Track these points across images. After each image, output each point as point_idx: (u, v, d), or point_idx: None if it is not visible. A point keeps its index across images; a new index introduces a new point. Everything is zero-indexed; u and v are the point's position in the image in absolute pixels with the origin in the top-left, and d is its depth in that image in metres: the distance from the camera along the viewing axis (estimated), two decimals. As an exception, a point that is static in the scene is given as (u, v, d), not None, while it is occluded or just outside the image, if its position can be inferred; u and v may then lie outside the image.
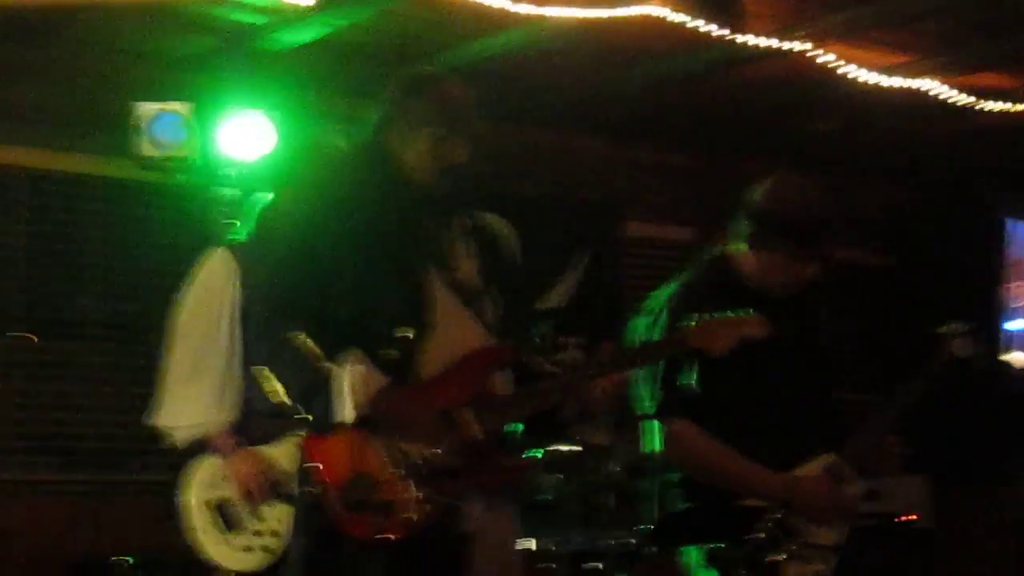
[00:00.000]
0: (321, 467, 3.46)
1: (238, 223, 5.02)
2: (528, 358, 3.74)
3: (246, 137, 6.40)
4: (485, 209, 3.97)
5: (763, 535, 4.14)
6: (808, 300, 4.45)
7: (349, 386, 3.38)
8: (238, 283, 4.72)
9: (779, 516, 4.16)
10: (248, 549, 4.62)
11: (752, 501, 4.20)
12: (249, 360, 4.60)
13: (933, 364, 4.40)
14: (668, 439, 4.32)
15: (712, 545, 4.25)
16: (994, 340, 9.07)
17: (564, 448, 5.65)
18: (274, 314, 3.57)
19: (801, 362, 4.37)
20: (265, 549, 4.61)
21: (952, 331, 4.43)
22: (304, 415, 3.50)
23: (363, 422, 3.41)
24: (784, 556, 4.14)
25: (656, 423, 4.35)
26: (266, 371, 3.54)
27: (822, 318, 4.55)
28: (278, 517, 4.59)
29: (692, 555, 4.35)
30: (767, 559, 4.14)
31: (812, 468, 4.26)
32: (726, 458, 4.22)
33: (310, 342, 3.44)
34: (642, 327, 4.41)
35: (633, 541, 5.91)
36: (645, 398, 4.32)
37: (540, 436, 5.53)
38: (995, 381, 9.05)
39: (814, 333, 4.51)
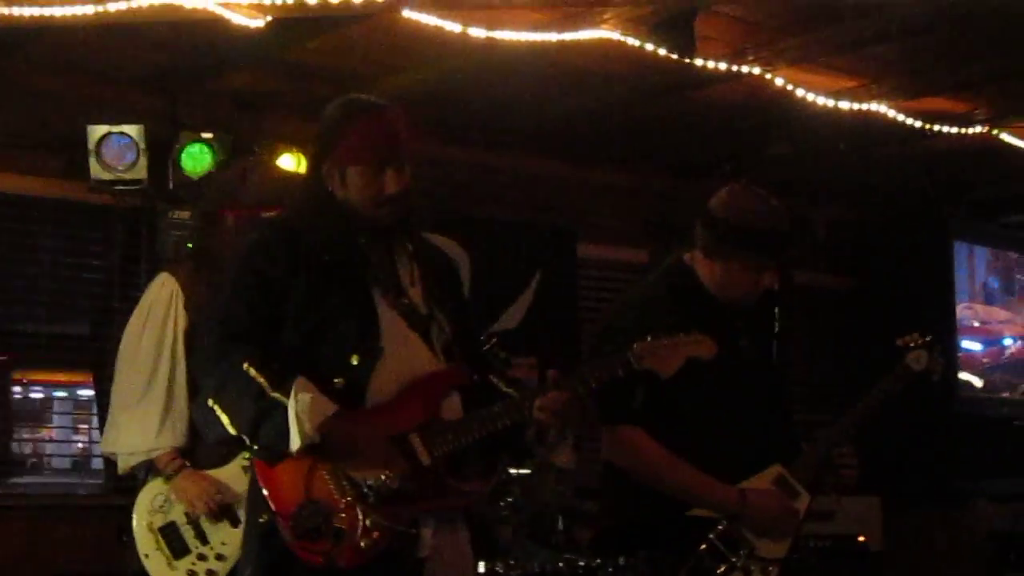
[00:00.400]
0: (269, 496, 3.46)
1: (189, 245, 5.02)
2: (482, 379, 3.74)
3: (197, 159, 6.39)
4: (436, 231, 3.97)
5: (706, 547, 4.17)
6: (765, 310, 4.47)
7: (295, 414, 3.36)
8: (181, 308, 4.71)
9: (724, 527, 4.18)
10: (192, 573, 4.61)
11: (699, 511, 4.22)
12: (196, 388, 4.60)
13: (889, 377, 4.43)
14: (616, 445, 4.33)
15: (656, 554, 4.27)
16: (949, 360, 9.13)
17: (514, 471, 5.65)
18: (221, 342, 3.55)
19: (754, 373, 4.39)
20: (209, 573, 4.60)
21: (908, 343, 4.46)
22: (252, 444, 3.49)
23: (312, 449, 3.40)
24: (727, 568, 4.16)
25: (604, 429, 4.37)
26: (212, 401, 3.52)
27: (778, 330, 4.57)
28: (223, 540, 4.58)
29: (638, 563, 4.36)
30: (711, 570, 4.16)
31: (761, 480, 4.28)
32: (675, 466, 4.22)
33: (255, 371, 3.43)
34: (597, 335, 4.44)
35: (583, 563, 5.92)
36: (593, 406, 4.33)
37: (503, 458, 5.54)
38: (948, 400, 9.11)
39: (769, 344, 4.53)
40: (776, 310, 4.53)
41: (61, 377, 7.93)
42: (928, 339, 4.48)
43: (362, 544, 3.38)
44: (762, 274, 4.32)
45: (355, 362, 3.50)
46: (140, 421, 4.68)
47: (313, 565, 3.38)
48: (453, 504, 3.62)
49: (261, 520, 3.50)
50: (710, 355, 3.80)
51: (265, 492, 3.47)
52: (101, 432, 5.05)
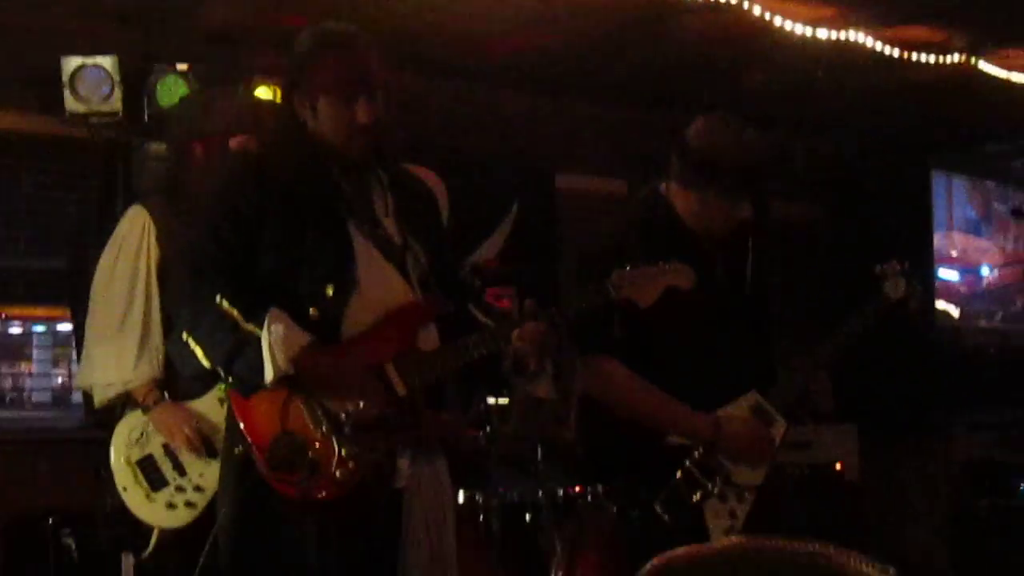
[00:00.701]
0: (244, 428, 3.46)
1: (161, 178, 5.00)
2: (461, 308, 3.74)
3: (172, 91, 6.35)
4: (412, 162, 3.96)
5: (682, 474, 4.19)
6: (741, 240, 4.47)
7: (268, 346, 3.36)
8: (154, 240, 4.70)
9: (700, 455, 4.21)
10: (171, 505, 4.61)
11: (676, 439, 4.24)
12: (170, 321, 4.60)
13: (867, 305, 4.44)
14: (591, 375, 4.35)
15: (633, 482, 4.30)
16: (927, 291, 9.16)
17: (493, 402, 5.66)
18: (195, 276, 3.55)
19: (731, 303, 4.40)
20: (188, 504, 4.60)
21: (886, 271, 4.46)
22: (227, 377, 3.49)
23: (287, 381, 3.41)
24: (702, 495, 4.19)
25: (580, 359, 4.38)
26: (186, 335, 3.51)
27: (756, 259, 4.56)
28: (200, 472, 4.58)
29: (615, 491, 4.40)
30: (687, 497, 4.19)
31: (737, 408, 4.30)
32: (650, 395, 4.24)
33: (228, 304, 3.42)
34: (574, 265, 4.45)
35: (562, 492, 5.95)
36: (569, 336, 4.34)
37: (481, 389, 5.55)
38: (926, 329, 9.14)
39: (746, 273, 4.53)
40: (751, 240, 4.52)
41: (40, 312, 7.93)
42: (905, 266, 4.48)
43: (337, 475, 3.39)
44: (737, 205, 4.32)
45: (330, 293, 3.49)
46: (116, 354, 4.67)
47: (288, 497, 3.39)
48: (429, 434, 3.63)
49: (236, 452, 3.51)
50: (689, 284, 3.81)
51: (240, 424, 3.48)
52: (80, 367, 5.04)
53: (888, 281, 4.45)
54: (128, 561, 4.91)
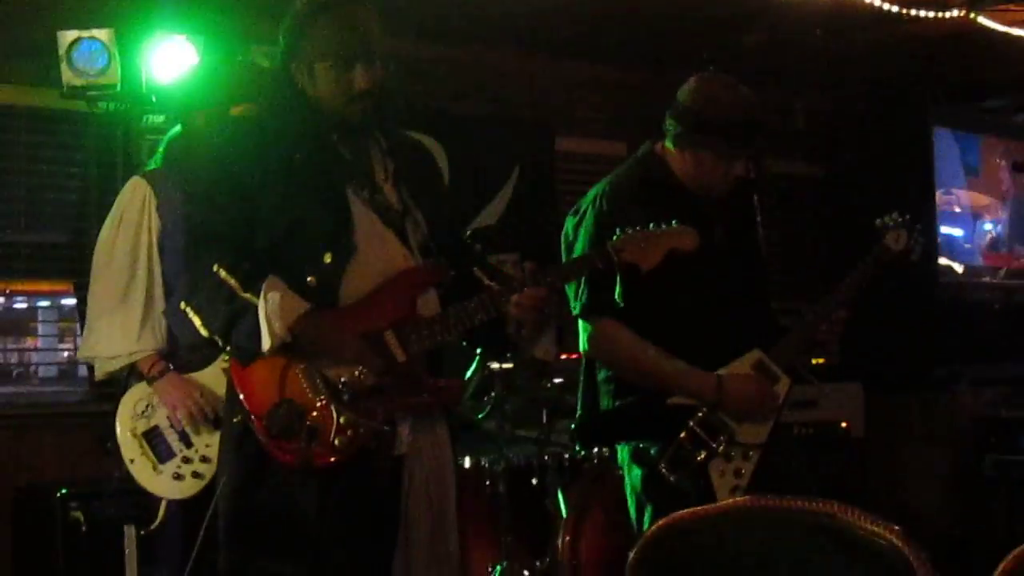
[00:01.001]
0: (243, 397, 3.46)
1: (160, 149, 4.99)
2: (465, 272, 3.71)
3: (171, 62, 6.33)
4: (412, 128, 3.94)
5: (686, 434, 4.19)
6: (738, 198, 4.47)
7: (265, 314, 3.36)
8: (154, 212, 4.70)
9: (703, 414, 4.21)
10: (178, 476, 4.63)
11: (679, 399, 4.24)
12: (169, 291, 4.60)
13: (868, 258, 4.42)
14: (593, 337, 4.35)
15: (637, 443, 4.30)
16: (929, 243, 9.15)
17: (494, 366, 5.67)
18: (193, 245, 3.55)
19: (731, 261, 4.39)
20: (195, 475, 4.62)
21: (887, 223, 4.44)
22: (225, 346, 3.49)
23: (285, 349, 3.41)
24: (707, 455, 4.19)
25: (582, 323, 4.38)
26: (184, 304, 3.51)
27: (754, 216, 4.55)
28: (207, 442, 4.60)
29: (621, 453, 4.40)
30: (692, 457, 4.19)
31: (740, 366, 4.30)
32: (653, 355, 4.24)
33: (226, 273, 3.42)
34: (569, 227, 4.43)
35: (568, 456, 5.97)
36: (570, 299, 4.33)
37: (484, 354, 5.54)
38: (930, 286, 9.13)
39: (745, 232, 4.52)
40: (755, 198, 4.51)
41: (44, 287, 7.92)
42: (907, 218, 4.46)
43: (336, 442, 3.39)
44: (733, 163, 4.31)
45: (328, 260, 3.48)
46: (120, 325, 4.68)
47: (287, 464, 3.39)
48: (429, 401, 3.62)
49: (235, 421, 3.52)
50: (692, 246, 3.80)
51: (239, 392, 3.48)
52: (85, 340, 5.04)
53: (889, 233, 4.43)
54: (131, 533, 4.92)
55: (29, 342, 8.65)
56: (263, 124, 3.69)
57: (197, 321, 3.48)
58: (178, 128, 4.82)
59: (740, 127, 4.27)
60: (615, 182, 4.41)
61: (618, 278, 4.15)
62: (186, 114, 4.78)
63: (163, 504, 4.73)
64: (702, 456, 4.19)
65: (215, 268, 3.42)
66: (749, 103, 4.31)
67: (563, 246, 4.42)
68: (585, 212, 4.36)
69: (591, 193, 4.40)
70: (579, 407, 4.50)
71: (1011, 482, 8.37)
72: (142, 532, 4.87)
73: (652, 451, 4.23)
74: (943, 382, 9.07)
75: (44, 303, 8.68)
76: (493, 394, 5.78)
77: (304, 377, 3.43)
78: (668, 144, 4.38)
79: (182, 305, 3.51)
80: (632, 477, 4.34)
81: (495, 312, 3.56)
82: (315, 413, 3.39)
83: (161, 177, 4.75)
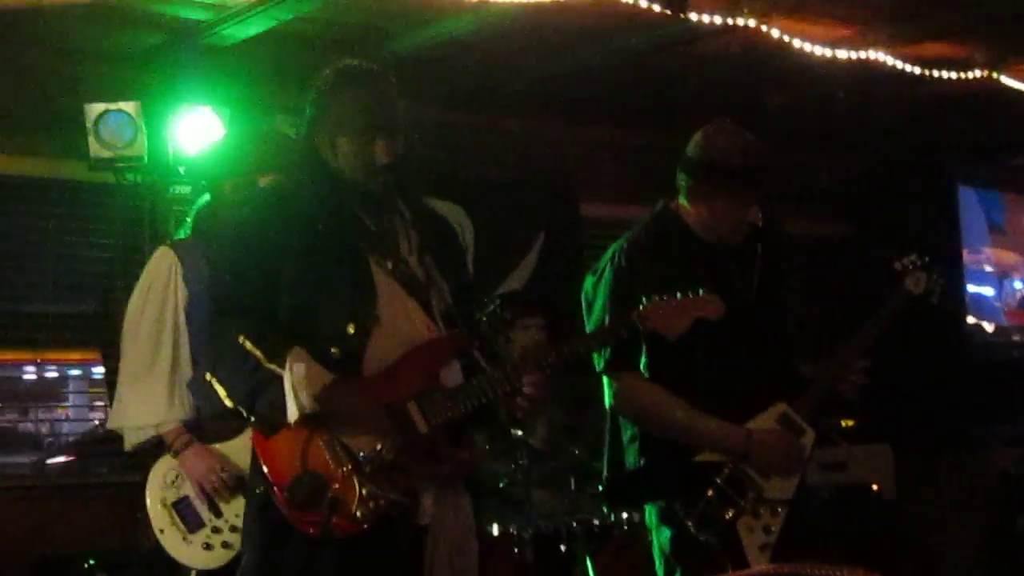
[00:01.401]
0: (265, 467, 3.47)
1: (188, 219, 5.01)
2: (476, 347, 3.71)
3: (196, 133, 6.39)
4: (436, 196, 3.95)
5: (713, 492, 4.16)
6: (755, 246, 4.45)
7: (291, 385, 3.37)
8: (181, 281, 4.71)
9: (729, 471, 4.18)
10: (208, 547, 4.62)
11: (705, 456, 4.21)
12: (195, 361, 4.61)
13: (888, 301, 4.40)
14: (618, 392, 4.33)
15: (665, 503, 4.28)
16: (958, 305, 9.12)
17: (517, 435, 5.67)
18: (218, 315, 3.56)
19: (750, 312, 4.35)
20: (225, 545, 4.61)
21: (906, 265, 4.42)
22: (249, 417, 3.50)
23: (309, 419, 3.41)
24: (736, 512, 4.17)
25: (606, 379, 4.37)
26: (209, 375, 3.52)
27: (767, 266, 4.51)
28: (236, 512, 4.58)
29: (648, 514, 4.37)
30: (720, 515, 4.16)
31: (765, 419, 4.27)
32: (679, 410, 4.21)
33: (251, 344, 3.43)
34: (588, 285, 4.43)
35: (598, 522, 5.94)
36: (594, 357, 4.32)
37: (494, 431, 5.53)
38: (959, 346, 9.10)
39: (766, 281, 4.49)
40: (759, 247, 4.48)
41: (75, 356, 7.95)
42: (926, 260, 4.42)
43: (358, 513, 3.38)
44: (746, 209, 4.32)
45: (351, 331, 3.48)
46: (146, 395, 4.68)
47: (310, 535, 3.38)
48: (451, 472, 3.60)
49: (258, 491, 3.52)
50: (718, 314, 3.79)
51: (261, 463, 3.48)
52: (112, 410, 5.05)
53: (909, 276, 4.41)
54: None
55: (59, 411, 8.67)
56: (286, 196, 3.71)
57: (222, 392, 3.49)
58: (206, 197, 4.85)
59: (748, 171, 4.28)
60: (632, 238, 4.41)
61: (643, 347, 4.15)
62: (214, 184, 4.81)
63: (192, 574, 4.72)
64: (731, 514, 4.15)
65: (240, 339, 3.44)
66: (755, 148, 4.32)
67: (583, 305, 4.42)
68: (604, 270, 4.36)
69: (609, 251, 4.41)
70: (605, 467, 4.48)
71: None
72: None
73: (680, 510, 4.19)
74: (973, 442, 9.01)
75: (75, 372, 8.71)
76: (522, 462, 5.77)
77: (326, 448, 3.43)
78: (682, 200, 4.40)
79: (207, 376, 3.52)
80: (660, 538, 4.30)
81: (518, 382, 3.55)
82: (337, 485, 3.39)
83: (189, 247, 4.77)
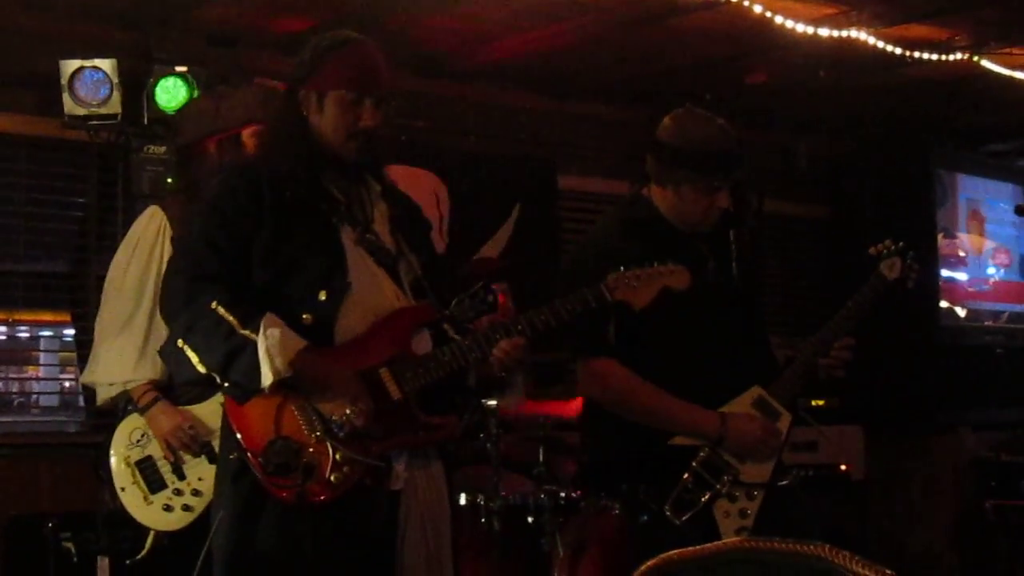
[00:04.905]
0: (239, 434, 3.46)
1: (169, 180, 4.98)
2: (445, 318, 3.71)
3: (172, 93, 6.34)
4: (415, 162, 3.97)
5: (689, 475, 4.16)
6: (726, 231, 4.45)
7: (266, 350, 3.37)
8: (168, 241, 4.68)
9: (705, 454, 4.17)
10: (168, 508, 4.60)
11: (681, 440, 4.21)
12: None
13: (864, 287, 4.40)
14: (590, 377, 4.33)
15: (640, 487, 4.27)
16: (931, 289, 9.13)
17: (491, 403, 5.63)
18: (190, 283, 3.54)
19: (724, 297, 4.38)
20: (186, 508, 4.59)
21: (881, 251, 4.42)
22: (223, 383, 3.49)
23: (282, 385, 3.41)
24: (711, 495, 4.16)
25: (579, 364, 4.36)
26: (181, 342, 3.51)
27: (740, 251, 4.51)
28: (199, 475, 4.57)
29: (624, 496, 4.36)
30: (695, 499, 4.15)
31: (740, 403, 4.28)
32: (652, 394, 4.23)
33: (224, 310, 3.42)
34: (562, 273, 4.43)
35: (564, 494, 5.92)
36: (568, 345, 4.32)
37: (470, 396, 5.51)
38: (931, 330, 9.11)
39: (736, 264, 4.50)
40: (731, 232, 4.48)
41: (47, 316, 7.91)
42: (901, 245, 4.44)
43: (332, 479, 3.41)
44: (715, 195, 4.32)
45: (323, 298, 3.51)
46: (119, 352, 4.67)
47: (284, 501, 3.39)
48: (424, 439, 3.64)
49: (231, 458, 3.52)
50: (684, 285, 3.79)
51: (235, 430, 3.49)
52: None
53: (884, 262, 4.42)
54: (104, 564, 4.90)
55: (31, 371, 8.63)
56: (256, 164, 3.74)
57: (194, 358, 3.48)
58: (191, 158, 4.82)
59: (716, 158, 4.28)
60: (601, 224, 4.42)
61: (611, 317, 4.14)
62: (197, 143, 4.77)
63: (151, 535, 4.69)
64: (706, 497, 4.16)
65: (213, 305, 3.43)
66: (724, 134, 4.32)
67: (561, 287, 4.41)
68: (575, 259, 4.37)
69: (580, 242, 4.42)
70: (580, 451, 4.48)
71: (1012, 527, 8.32)
72: (128, 562, 4.83)
73: (656, 493, 4.19)
74: (944, 426, 9.04)
75: (46, 332, 8.68)
76: (488, 431, 5.74)
77: (300, 414, 3.45)
78: (652, 184, 4.40)
79: (179, 343, 3.51)
80: (636, 522, 4.30)
81: (489, 350, 3.56)
82: (311, 450, 3.40)
83: (178, 206, 4.73)
